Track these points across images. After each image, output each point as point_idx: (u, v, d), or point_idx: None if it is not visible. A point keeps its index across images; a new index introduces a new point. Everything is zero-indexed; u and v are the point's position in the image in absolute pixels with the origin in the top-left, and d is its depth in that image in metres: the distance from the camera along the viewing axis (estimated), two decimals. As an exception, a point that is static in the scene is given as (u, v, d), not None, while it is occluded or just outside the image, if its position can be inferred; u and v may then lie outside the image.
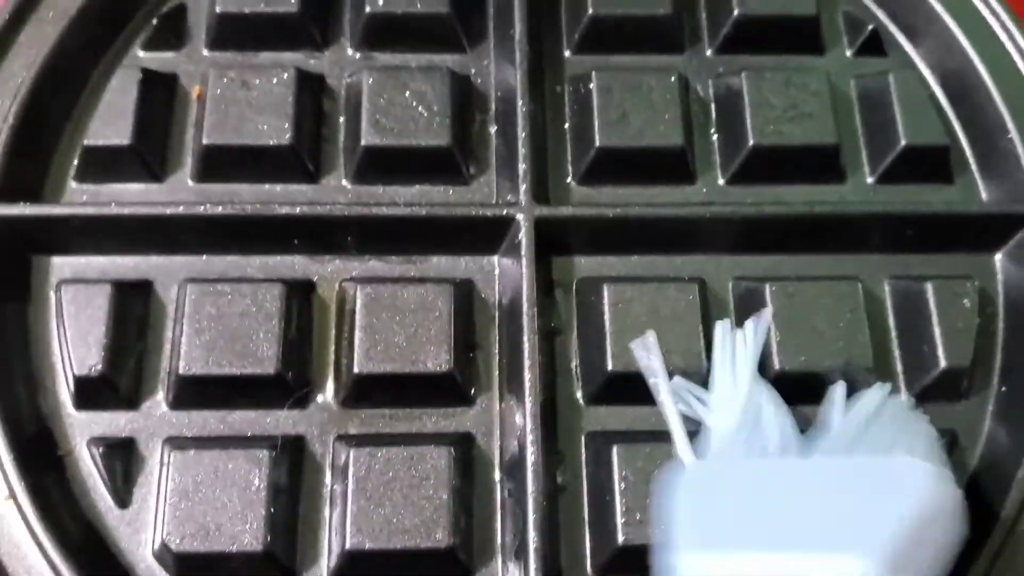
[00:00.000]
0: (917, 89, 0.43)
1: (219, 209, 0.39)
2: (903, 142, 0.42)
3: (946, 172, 0.43)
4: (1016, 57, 0.43)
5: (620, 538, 0.36)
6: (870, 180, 0.43)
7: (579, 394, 0.39)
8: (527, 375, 0.37)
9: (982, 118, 0.43)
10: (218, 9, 0.43)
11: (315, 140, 0.42)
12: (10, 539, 0.34)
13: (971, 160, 0.43)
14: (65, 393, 0.38)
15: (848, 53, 0.45)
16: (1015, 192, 0.42)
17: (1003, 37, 0.43)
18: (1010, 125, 0.42)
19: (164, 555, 0.35)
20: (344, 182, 0.42)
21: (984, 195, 0.43)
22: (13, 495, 0.35)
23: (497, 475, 0.38)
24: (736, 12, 0.43)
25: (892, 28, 0.45)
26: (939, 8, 0.44)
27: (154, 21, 0.43)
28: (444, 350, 0.38)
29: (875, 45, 0.45)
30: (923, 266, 0.41)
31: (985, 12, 0.44)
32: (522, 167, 0.40)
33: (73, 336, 0.37)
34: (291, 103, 0.41)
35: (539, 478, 0.35)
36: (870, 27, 0.45)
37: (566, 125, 0.43)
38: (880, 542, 0.29)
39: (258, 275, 0.40)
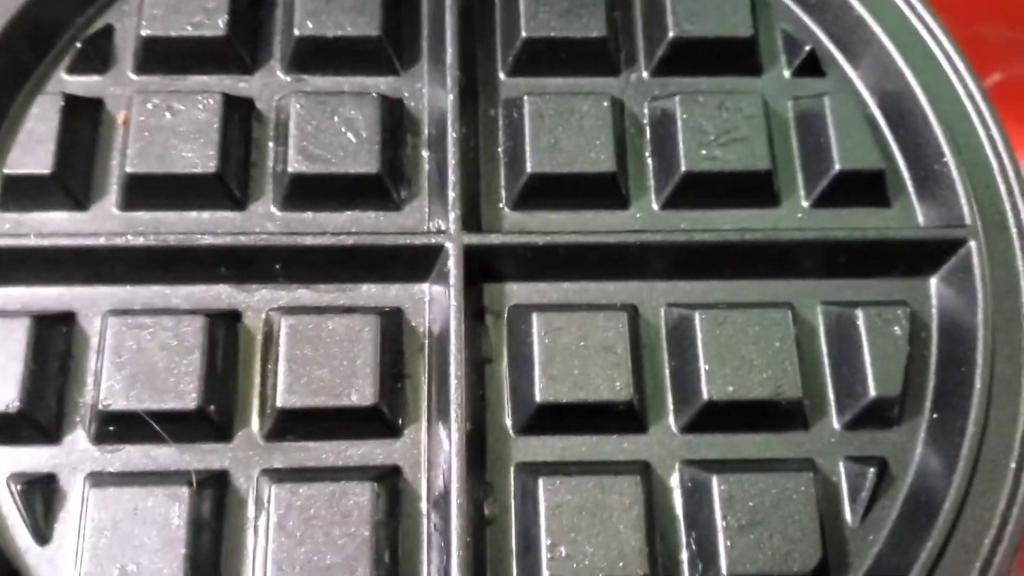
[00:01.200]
0: (853, 112, 0.43)
1: (142, 240, 0.38)
2: (837, 167, 0.41)
3: (883, 195, 0.42)
4: (953, 80, 0.43)
5: (545, 573, 0.35)
6: (805, 204, 0.42)
7: (509, 424, 0.39)
8: (454, 406, 0.36)
9: (918, 141, 0.43)
10: (144, 33, 0.42)
11: (243, 166, 0.41)
12: (-77, 582, 0.34)
13: (908, 182, 0.43)
14: (-16, 428, 0.37)
15: (786, 73, 0.45)
16: (950, 215, 0.41)
17: (941, 59, 0.43)
18: (945, 149, 0.41)
19: (83, 594, 0.35)
20: (272, 208, 0.41)
21: (921, 218, 0.42)
22: (-74, 536, 0.34)
23: (424, 508, 0.37)
24: (671, 34, 0.43)
25: (831, 47, 0.45)
26: (877, 29, 0.44)
27: (79, 44, 0.42)
28: (370, 383, 0.37)
29: (813, 65, 0.45)
30: (857, 291, 0.41)
31: (924, 34, 0.44)
32: (452, 194, 0.39)
33: (-9, 371, 0.37)
34: (217, 130, 0.40)
35: (464, 511, 0.35)
36: (807, 48, 0.44)
37: (500, 149, 0.43)
38: None
39: (184, 305, 0.39)
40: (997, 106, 0.71)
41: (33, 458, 0.37)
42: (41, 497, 0.36)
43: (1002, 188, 0.41)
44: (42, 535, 0.36)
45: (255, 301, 0.40)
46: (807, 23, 0.46)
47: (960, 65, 0.43)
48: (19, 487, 0.36)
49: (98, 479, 0.36)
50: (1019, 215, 0.41)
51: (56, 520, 0.36)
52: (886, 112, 0.44)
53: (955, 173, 0.41)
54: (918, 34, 0.44)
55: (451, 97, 0.41)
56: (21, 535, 0.36)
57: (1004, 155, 0.42)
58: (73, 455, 0.37)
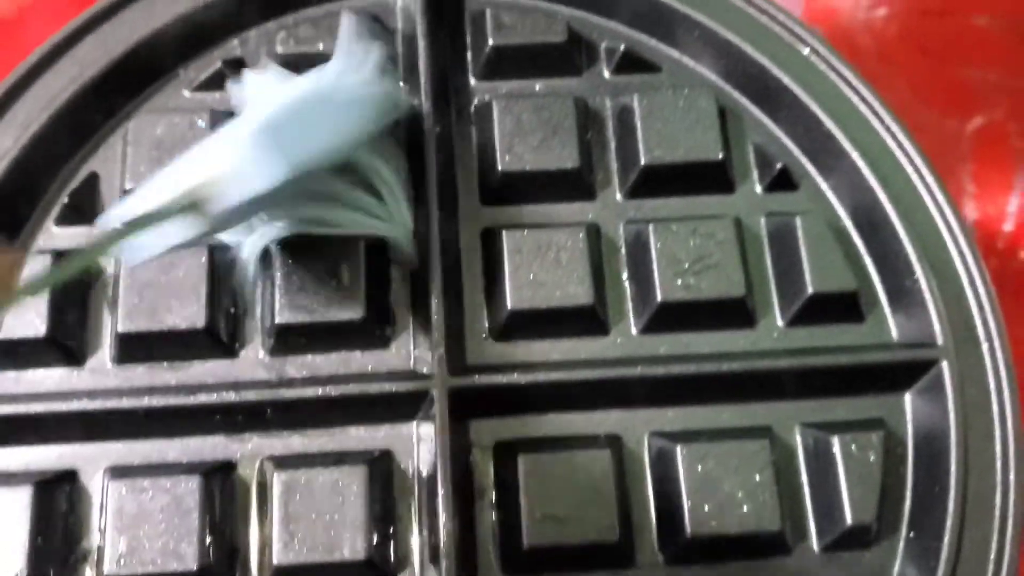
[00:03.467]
0: (824, 232, 0.43)
1: (137, 402, 0.39)
2: (810, 290, 0.42)
3: (856, 312, 0.43)
4: (923, 193, 0.44)
5: None
6: (781, 323, 0.43)
7: (499, 565, 0.40)
8: (444, 553, 0.38)
9: (890, 254, 0.44)
10: (128, 186, 0.43)
11: (231, 317, 0.42)
12: None
13: (881, 295, 0.44)
14: (-7, 595, 0.39)
15: (758, 189, 0.45)
16: (922, 332, 0.42)
17: (910, 172, 0.44)
18: (916, 266, 0.42)
19: None
20: (261, 354, 0.42)
21: (894, 332, 0.43)
22: None
23: (421, 652, 0.39)
24: (643, 161, 0.44)
25: (802, 159, 0.46)
26: (846, 144, 0.44)
27: (66, 199, 0.43)
28: (361, 536, 0.38)
29: (785, 179, 0.45)
30: (834, 410, 0.42)
31: (893, 147, 0.44)
32: (435, 335, 0.40)
33: (-3, 541, 0.38)
34: (204, 283, 0.41)
35: (459, 659, 0.37)
36: (779, 165, 0.45)
37: (480, 281, 0.44)
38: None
39: (181, 458, 0.40)
40: (978, 151, 0.71)
41: (43, 622, 0.39)
42: (53, 661, 0.38)
43: (972, 302, 0.42)
44: None
45: (248, 449, 0.41)
46: (779, 135, 0.46)
47: (930, 179, 0.44)
48: (31, 653, 0.38)
49: (106, 641, 0.38)
50: (988, 328, 0.42)
51: None
52: (858, 224, 0.45)
53: (926, 292, 0.42)
54: (887, 148, 0.44)
55: (434, 233, 0.42)
56: None
57: (973, 267, 0.43)
58: (81, 616, 0.39)
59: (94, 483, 0.40)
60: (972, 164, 0.68)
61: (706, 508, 0.39)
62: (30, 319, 0.41)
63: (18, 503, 0.38)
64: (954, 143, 0.67)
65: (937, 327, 0.42)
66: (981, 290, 0.43)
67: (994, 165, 0.68)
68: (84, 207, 0.44)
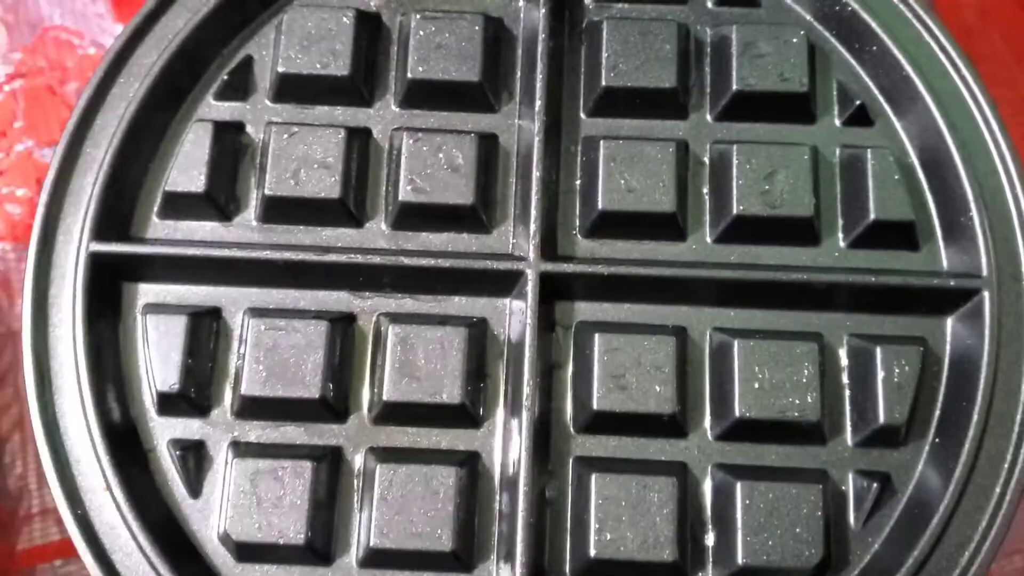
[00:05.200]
0: (891, 166, 0.48)
1: (279, 255, 0.46)
2: (872, 216, 0.47)
3: (912, 240, 0.48)
4: (987, 140, 0.48)
5: (592, 552, 0.43)
6: (842, 244, 0.48)
7: (571, 423, 0.46)
8: (525, 406, 0.44)
9: (949, 193, 0.48)
10: (280, 69, 0.49)
11: (361, 190, 0.49)
12: (107, 522, 0.44)
13: (937, 228, 0.49)
14: (149, 401, 0.46)
15: (837, 122, 0.50)
16: (970, 263, 0.47)
17: (978, 120, 0.48)
18: (972, 205, 0.47)
19: (226, 540, 0.44)
20: (384, 227, 0.48)
21: (945, 263, 0.48)
22: (109, 487, 0.44)
23: (497, 488, 0.46)
24: (735, 87, 0.49)
25: (880, 98, 0.50)
26: (922, 88, 0.48)
27: (224, 76, 0.50)
28: (457, 385, 0.45)
29: (863, 115, 0.50)
30: (882, 325, 0.47)
31: (965, 94, 0.48)
32: (533, 226, 0.46)
33: (155, 358, 0.46)
34: (341, 159, 0.47)
35: (529, 496, 0.43)
36: (858, 102, 0.49)
37: (576, 182, 0.49)
38: None
39: (310, 307, 0.47)
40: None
41: (187, 428, 0.46)
42: (193, 459, 0.46)
43: (1020, 243, 0.47)
44: (194, 490, 0.45)
45: (367, 306, 0.48)
46: (861, 74, 0.51)
47: (995, 126, 0.48)
48: (176, 451, 0.46)
49: (238, 449, 0.45)
50: (1033, 267, 0.47)
51: (205, 479, 0.46)
52: (923, 162, 0.49)
53: (977, 228, 0.46)
54: (960, 95, 0.48)
55: (538, 139, 0.47)
56: (178, 489, 0.45)
57: (1026, 212, 0.47)
58: (218, 427, 0.46)
59: (235, 320, 0.47)
60: (1060, 121, 0.70)
61: (755, 395, 0.45)
62: (193, 176, 0.48)
63: (174, 329, 0.46)
64: (1042, 100, 0.69)
65: (984, 261, 0.46)
66: (1030, 232, 0.47)
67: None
68: (238, 85, 0.50)
